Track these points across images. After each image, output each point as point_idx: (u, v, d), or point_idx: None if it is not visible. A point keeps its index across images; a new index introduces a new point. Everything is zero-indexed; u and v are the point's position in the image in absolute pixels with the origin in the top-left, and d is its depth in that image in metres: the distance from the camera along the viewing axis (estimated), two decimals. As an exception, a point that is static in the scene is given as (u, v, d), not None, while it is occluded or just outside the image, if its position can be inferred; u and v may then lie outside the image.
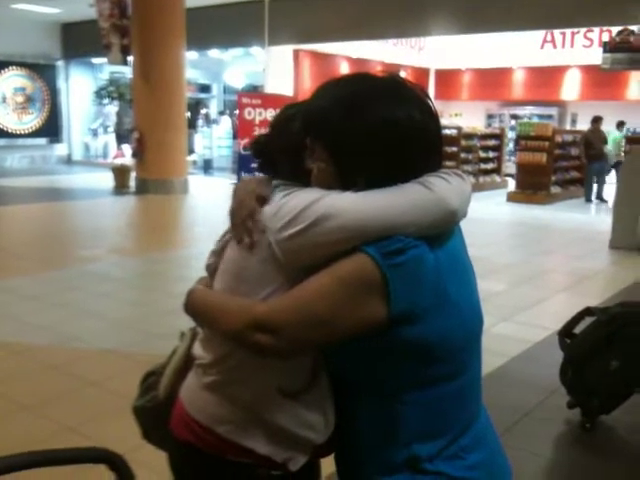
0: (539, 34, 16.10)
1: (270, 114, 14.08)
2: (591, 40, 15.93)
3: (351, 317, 1.18)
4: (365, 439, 1.30)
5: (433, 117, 1.27)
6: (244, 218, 1.30)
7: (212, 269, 1.44)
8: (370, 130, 1.20)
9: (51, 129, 18.92)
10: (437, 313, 1.21)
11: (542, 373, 4.08)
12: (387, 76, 1.28)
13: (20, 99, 18.26)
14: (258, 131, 13.95)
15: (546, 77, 18.00)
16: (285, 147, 1.39)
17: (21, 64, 18.03)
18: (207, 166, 17.38)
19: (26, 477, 1.31)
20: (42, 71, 18.58)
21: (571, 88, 17.83)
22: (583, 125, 15.41)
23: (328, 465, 1.48)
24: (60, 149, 19.43)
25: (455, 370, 1.28)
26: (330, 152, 1.24)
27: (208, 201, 12.47)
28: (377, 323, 1.18)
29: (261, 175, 1.45)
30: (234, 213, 1.35)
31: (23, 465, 1.17)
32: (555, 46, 16.59)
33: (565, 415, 3.61)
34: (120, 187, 13.58)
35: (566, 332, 3.64)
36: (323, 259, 1.20)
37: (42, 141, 18.85)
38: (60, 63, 19.04)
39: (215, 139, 17.99)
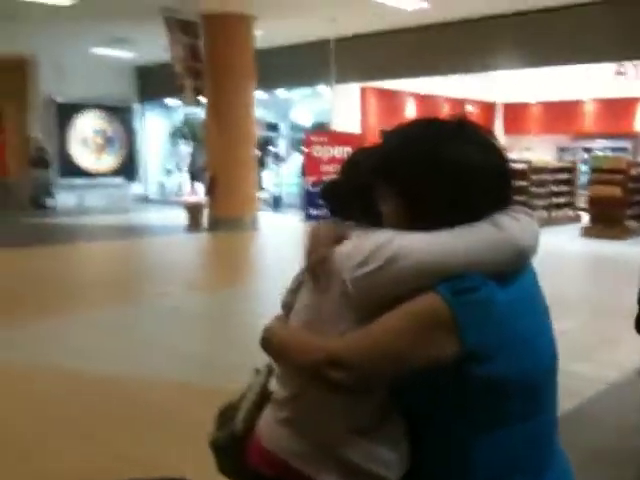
0: (610, 65, 15.79)
1: (337, 151, 14.28)
2: (666, 70, 15.51)
3: (422, 355, 1.21)
4: (435, 479, 1.31)
5: (499, 157, 1.30)
6: (318, 261, 1.35)
7: (288, 307, 1.50)
8: (438, 173, 1.24)
9: (128, 169, 19.70)
10: (507, 351, 1.22)
11: (619, 414, 3.95)
12: (453, 119, 1.32)
13: (99, 140, 19.11)
14: (326, 168, 14.15)
15: (619, 109, 17.60)
16: (355, 190, 1.45)
17: (100, 106, 18.90)
18: (277, 203, 17.67)
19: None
20: (119, 113, 19.43)
21: (645, 120, 17.36)
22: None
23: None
24: (137, 188, 20.16)
25: (527, 411, 1.28)
26: (400, 195, 1.29)
27: (278, 237, 12.66)
28: (447, 361, 1.20)
29: (334, 219, 1.50)
30: (309, 256, 1.40)
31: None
32: (627, 77, 16.20)
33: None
34: (193, 224, 13.94)
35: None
36: (395, 297, 1.23)
37: (120, 180, 19.61)
38: (136, 105, 19.85)
39: (284, 176, 18.32)
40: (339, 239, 1.36)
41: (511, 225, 1.25)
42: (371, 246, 1.25)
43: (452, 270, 1.20)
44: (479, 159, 1.25)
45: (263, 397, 1.50)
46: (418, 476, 1.35)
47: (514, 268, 1.26)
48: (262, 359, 1.55)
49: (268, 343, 1.41)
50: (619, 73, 14.35)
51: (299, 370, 1.34)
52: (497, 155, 1.29)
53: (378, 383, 1.30)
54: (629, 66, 15.74)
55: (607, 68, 15.80)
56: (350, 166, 1.53)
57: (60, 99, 18.05)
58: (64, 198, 18.29)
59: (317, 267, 1.35)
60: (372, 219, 1.36)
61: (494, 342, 1.20)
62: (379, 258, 1.23)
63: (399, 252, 1.22)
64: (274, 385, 1.46)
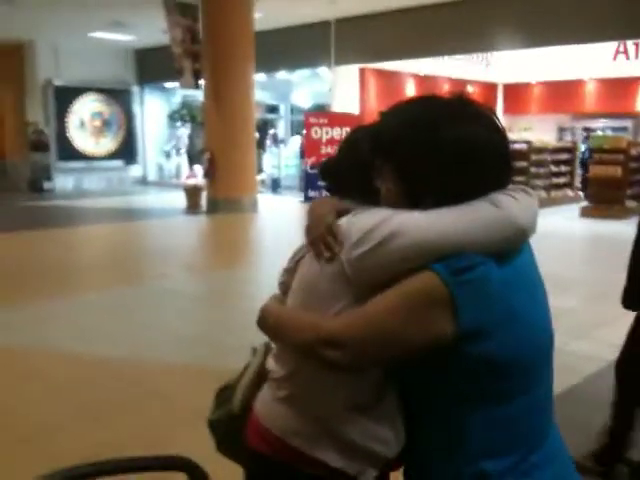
0: (611, 45, 15.69)
1: (337, 133, 14.23)
2: (666, 49, 15.44)
3: (418, 334, 1.20)
4: (432, 454, 1.31)
5: (501, 136, 1.28)
6: (323, 233, 1.33)
7: (285, 286, 1.50)
8: (438, 152, 1.23)
9: (127, 151, 19.65)
10: (505, 330, 1.22)
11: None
12: (454, 96, 1.31)
13: (97, 123, 19.04)
14: (325, 150, 14.11)
15: (619, 89, 17.51)
16: (353, 168, 1.44)
17: (98, 90, 18.81)
18: (275, 185, 17.64)
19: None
20: (118, 96, 19.33)
21: (646, 99, 17.29)
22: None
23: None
24: (135, 170, 20.12)
25: (523, 387, 1.28)
26: (398, 174, 1.28)
27: (277, 219, 12.66)
28: (444, 340, 1.19)
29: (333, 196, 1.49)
30: (310, 230, 1.38)
31: (107, 471, 1.24)
32: (628, 57, 16.13)
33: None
34: (192, 207, 13.93)
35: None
36: (392, 277, 1.22)
37: (118, 163, 19.57)
38: (135, 88, 19.77)
39: (283, 158, 18.27)
40: (340, 213, 1.35)
41: (509, 204, 1.23)
42: (368, 225, 1.24)
43: (450, 248, 1.19)
44: (481, 138, 1.24)
45: (261, 376, 1.50)
46: (415, 453, 1.36)
47: (512, 247, 1.25)
48: (260, 340, 1.55)
49: (264, 322, 1.42)
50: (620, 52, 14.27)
51: (295, 348, 1.34)
52: (499, 134, 1.28)
53: (374, 362, 1.29)
54: (630, 45, 15.67)
55: (608, 47, 15.72)
56: (349, 144, 1.52)
57: (58, 82, 17.95)
58: (62, 181, 18.28)
59: (322, 239, 1.32)
60: (370, 197, 1.36)
61: (491, 320, 1.20)
62: (375, 237, 1.22)
63: (396, 230, 1.21)
64: (271, 364, 1.46)
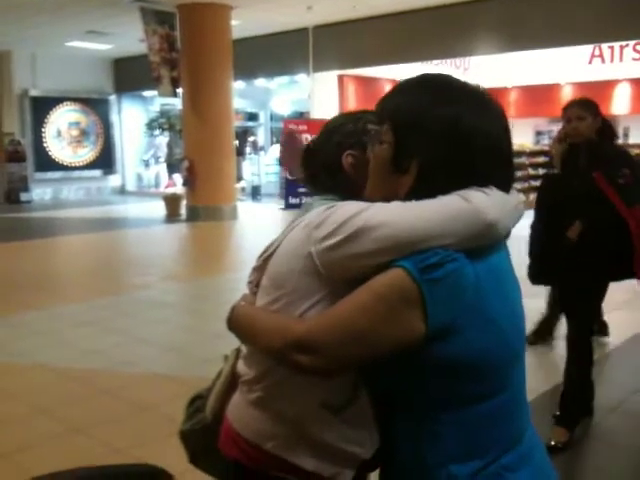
0: (587, 49, 15.85)
1: (316, 139, 14.24)
2: (641, 53, 15.63)
3: (390, 333, 1.17)
4: (403, 457, 1.29)
5: (507, 135, 1.28)
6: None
7: (254, 285, 1.47)
8: (444, 126, 1.21)
9: (105, 161, 19.50)
10: (475, 329, 1.19)
11: (598, 391, 3.97)
12: (476, 85, 1.30)
13: (75, 133, 18.89)
14: (305, 156, 14.11)
15: (595, 92, 17.66)
16: (325, 162, 1.44)
17: (75, 99, 18.66)
18: (255, 192, 17.61)
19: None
20: (95, 105, 19.20)
21: (622, 102, 17.48)
22: (636, 139, 15.08)
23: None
24: (114, 180, 19.98)
25: (494, 389, 1.25)
26: (395, 133, 1.26)
27: (257, 226, 12.62)
28: (415, 339, 1.17)
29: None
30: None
31: (82, 478, 1.22)
32: (604, 61, 16.32)
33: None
34: (172, 215, 13.86)
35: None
36: (362, 272, 1.19)
37: (97, 173, 19.42)
38: (112, 97, 19.64)
39: (263, 166, 18.24)
40: None
41: (479, 198, 1.20)
42: (343, 217, 1.21)
43: (418, 242, 1.16)
44: (494, 134, 1.24)
45: (232, 382, 1.47)
46: (389, 452, 1.34)
47: (483, 243, 1.21)
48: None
49: (234, 323, 1.40)
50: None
51: (263, 352, 1.32)
52: (507, 134, 1.27)
53: (346, 366, 1.26)
54: (605, 49, 15.86)
55: (584, 52, 15.90)
56: (322, 137, 1.52)
57: (35, 93, 17.80)
58: (40, 192, 18.11)
59: None
60: (340, 192, 1.38)
61: (461, 321, 1.17)
62: (348, 229, 1.19)
63: (367, 224, 1.18)
64: (241, 367, 1.43)
